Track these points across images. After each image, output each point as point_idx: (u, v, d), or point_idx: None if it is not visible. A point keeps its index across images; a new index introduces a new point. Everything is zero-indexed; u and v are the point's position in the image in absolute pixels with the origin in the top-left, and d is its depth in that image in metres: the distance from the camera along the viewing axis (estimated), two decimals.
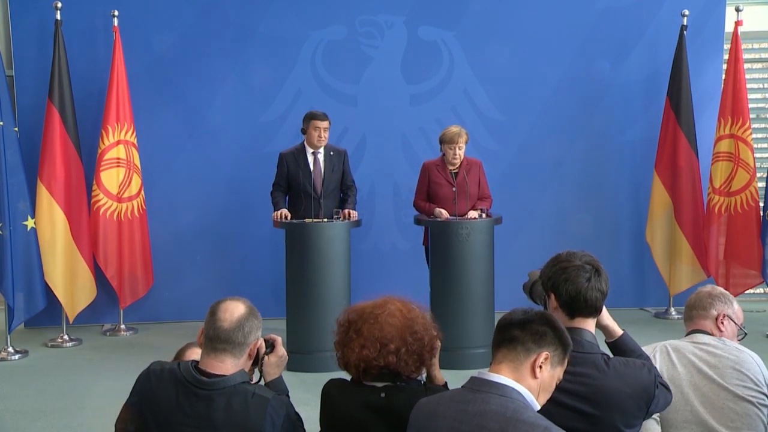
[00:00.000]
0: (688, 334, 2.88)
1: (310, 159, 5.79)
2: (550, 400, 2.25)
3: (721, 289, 2.95)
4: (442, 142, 5.67)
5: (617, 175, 6.99)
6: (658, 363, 2.72)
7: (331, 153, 5.84)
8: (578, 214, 6.89)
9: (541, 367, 2.01)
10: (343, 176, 5.88)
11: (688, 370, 2.72)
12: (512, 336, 2.04)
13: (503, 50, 6.79)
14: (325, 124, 5.71)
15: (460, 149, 5.61)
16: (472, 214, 5.53)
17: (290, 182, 5.80)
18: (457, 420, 1.98)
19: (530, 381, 2.01)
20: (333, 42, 6.73)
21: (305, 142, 5.80)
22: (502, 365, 2.02)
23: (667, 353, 2.77)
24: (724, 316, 2.86)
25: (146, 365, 2.39)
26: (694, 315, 2.89)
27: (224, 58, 6.66)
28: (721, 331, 2.84)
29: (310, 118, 5.73)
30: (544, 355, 2.01)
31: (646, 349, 2.69)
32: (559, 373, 2.07)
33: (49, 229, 6.05)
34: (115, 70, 6.28)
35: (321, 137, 5.71)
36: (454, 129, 5.64)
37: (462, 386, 2.08)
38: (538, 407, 2.01)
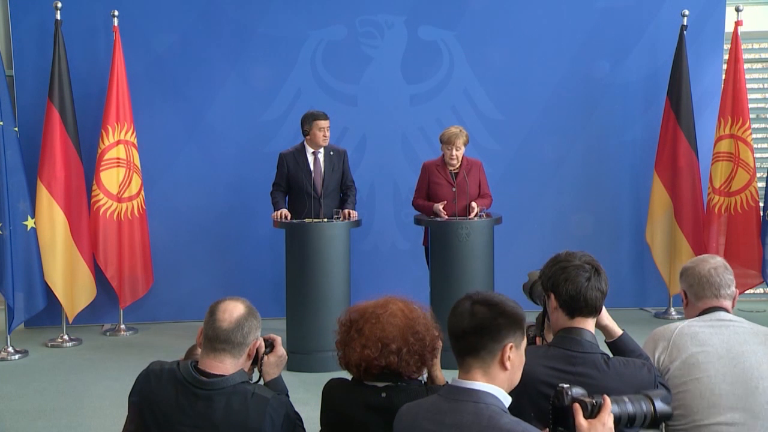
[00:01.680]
0: (707, 312, 2.65)
1: (311, 159, 5.79)
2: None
3: (722, 260, 2.75)
4: (441, 141, 5.67)
5: (617, 175, 6.99)
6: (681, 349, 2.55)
7: (331, 153, 5.84)
8: (578, 214, 6.89)
9: (509, 357, 2.01)
10: (343, 176, 5.89)
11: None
12: (471, 345, 2.02)
13: (503, 50, 6.79)
14: (327, 123, 5.72)
15: (457, 150, 5.60)
16: (474, 206, 5.53)
17: (290, 182, 5.80)
18: None
19: (502, 375, 2.01)
20: (333, 42, 6.73)
21: (305, 143, 5.80)
22: (472, 371, 2.02)
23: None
24: (737, 293, 2.73)
25: (146, 365, 2.39)
26: (723, 294, 2.66)
27: (224, 58, 6.66)
28: (733, 306, 2.68)
29: (312, 119, 5.72)
30: (508, 347, 2.00)
31: (647, 343, 2.62)
32: (524, 344, 2.07)
33: (49, 229, 6.05)
34: (115, 70, 6.28)
35: (325, 136, 5.73)
36: (454, 130, 5.64)
37: (438, 394, 2.07)
38: (509, 401, 2.02)
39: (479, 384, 1.99)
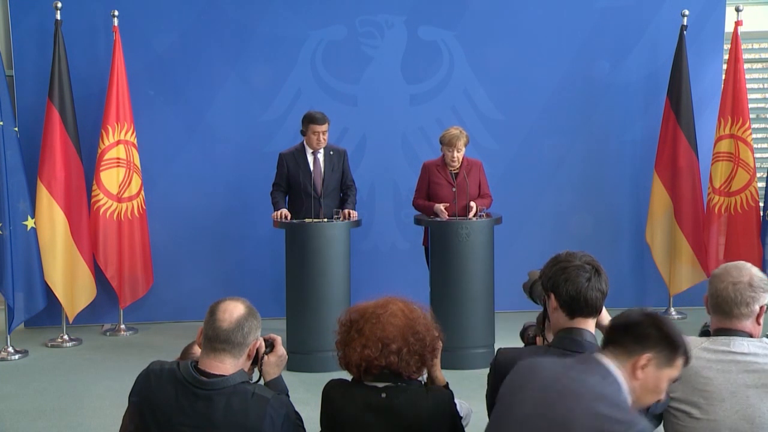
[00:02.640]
0: (720, 333, 2.47)
1: (310, 159, 5.78)
2: None
3: (755, 272, 2.49)
4: (441, 143, 5.67)
5: (617, 175, 6.98)
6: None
7: (331, 152, 5.83)
8: (578, 214, 6.89)
9: (643, 368, 2.01)
10: (343, 176, 5.88)
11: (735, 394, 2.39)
12: (615, 339, 2.06)
13: (503, 50, 6.79)
14: (323, 127, 5.69)
15: (458, 152, 5.60)
16: (473, 205, 5.53)
17: (290, 182, 5.80)
18: (555, 376, 2.01)
19: (631, 381, 2.02)
20: (333, 42, 6.73)
21: (305, 142, 5.80)
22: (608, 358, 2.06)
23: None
24: (763, 308, 2.47)
25: (146, 365, 2.39)
26: (736, 313, 2.44)
27: (224, 58, 6.66)
28: (759, 325, 2.47)
29: (308, 121, 5.71)
30: (645, 357, 2.01)
31: None
32: (669, 374, 2.05)
33: (49, 229, 6.05)
34: (115, 70, 6.28)
35: (320, 141, 5.71)
36: (454, 131, 5.63)
37: (577, 355, 2.13)
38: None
39: (615, 369, 2.02)
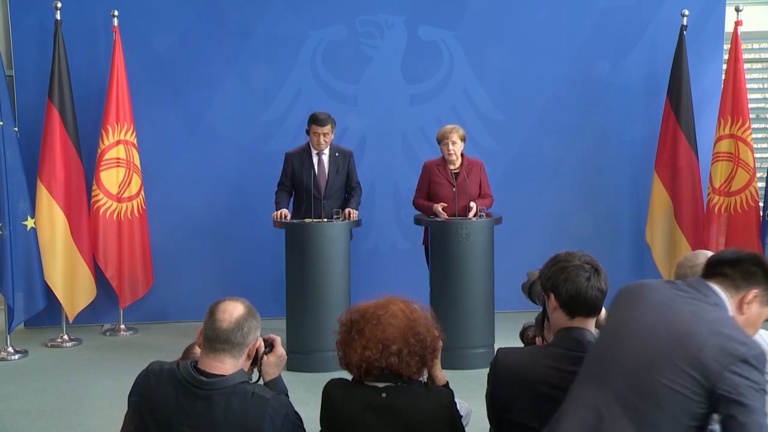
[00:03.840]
0: None
1: (315, 159, 5.78)
2: (551, 399, 2.26)
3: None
4: (438, 141, 5.69)
5: (617, 175, 6.99)
6: None
7: (337, 154, 5.83)
8: (578, 214, 6.89)
9: (749, 303, 2.07)
10: (348, 177, 5.88)
11: None
12: (722, 272, 2.11)
13: (503, 50, 6.79)
14: (324, 129, 5.67)
15: (453, 144, 5.59)
16: (473, 205, 5.53)
17: (294, 182, 5.80)
18: (669, 296, 2.06)
19: (736, 315, 2.07)
20: (333, 42, 6.73)
21: (310, 143, 5.80)
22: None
23: None
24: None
25: (146, 365, 2.39)
26: None
27: (224, 58, 6.66)
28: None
29: (311, 122, 5.70)
30: (753, 292, 2.08)
31: None
32: (767, 313, 2.13)
33: (49, 229, 6.05)
34: (115, 70, 6.28)
35: (320, 142, 5.70)
36: (448, 126, 5.68)
37: (683, 279, 2.16)
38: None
39: (725, 298, 2.06)
